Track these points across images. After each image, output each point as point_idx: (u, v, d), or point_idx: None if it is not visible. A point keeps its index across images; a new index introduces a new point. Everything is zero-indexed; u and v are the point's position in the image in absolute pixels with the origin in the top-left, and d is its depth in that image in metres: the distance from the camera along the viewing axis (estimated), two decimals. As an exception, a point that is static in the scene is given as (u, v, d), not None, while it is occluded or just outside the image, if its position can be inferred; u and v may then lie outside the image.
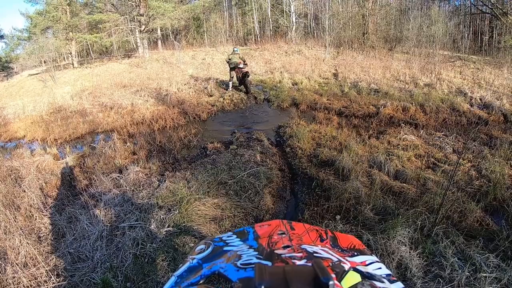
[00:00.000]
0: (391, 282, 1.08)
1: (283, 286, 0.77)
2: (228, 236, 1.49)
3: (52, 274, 3.79)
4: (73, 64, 30.01)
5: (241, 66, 13.20)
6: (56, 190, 6.30)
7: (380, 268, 1.21)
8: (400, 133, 7.89)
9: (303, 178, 6.16)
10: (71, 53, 30.49)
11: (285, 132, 8.51)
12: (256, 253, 1.21)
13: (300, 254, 1.15)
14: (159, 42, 32.67)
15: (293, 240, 1.35)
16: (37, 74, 26.37)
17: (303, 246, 1.26)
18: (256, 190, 5.44)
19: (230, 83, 13.96)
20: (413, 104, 10.13)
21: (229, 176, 5.87)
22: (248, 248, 1.28)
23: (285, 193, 5.77)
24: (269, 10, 32.48)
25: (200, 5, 31.19)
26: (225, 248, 1.34)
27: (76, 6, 28.80)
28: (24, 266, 3.90)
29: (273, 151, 7.39)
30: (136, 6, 25.82)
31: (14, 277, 3.72)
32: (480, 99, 11.08)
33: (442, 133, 8.05)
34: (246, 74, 13.01)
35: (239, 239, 1.43)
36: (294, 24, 27.76)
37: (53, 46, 26.66)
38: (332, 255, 1.21)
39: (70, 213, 5.14)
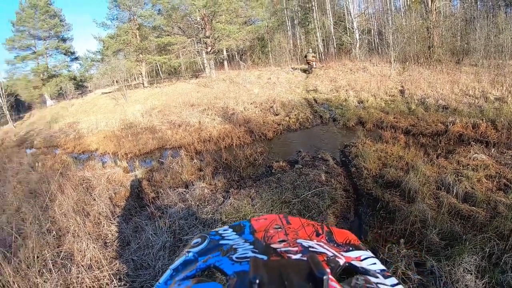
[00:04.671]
0: (385, 277, 1.09)
1: (278, 280, 0.78)
2: (224, 230, 1.50)
3: (115, 278, 3.95)
4: (143, 83, 31.82)
5: (311, 60, 23.83)
6: (124, 201, 6.59)
7: (374, 263, 1.22)
8: (470, 152, 7.44)
9: (368, 199, 5.95)
10: (141, 73, 32.43)
11: (351, 151, 8.28)
12: (252, 247, 1.23)
13: (296, 249, 1.17)
14: (225, 62, 33.87)
15: (289, 234, 1.38)
16: (109, 92, 28.23)
17: (298, 241, 1.28)
18: (319, 210, 5.33)
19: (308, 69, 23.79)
20: (484, 120, 9.49)
21: (293, 195, 5.81)
22: (244, 242, 1.30)
23: (348, 214, 5.59)
24: (332, 27, 32.28)
25: (264, 26, 31.94)
26: (221, 242, 1.36)
27: (145, 30, 30.82)
28: (88, 268, 4.12)
29: (338, 171, 7.20)
30: (202, 28, 26.93)
31: (78, 277, 3.95)
32: (562, 112, 10.22)
33: (515, 151, 7.54)
34: (311, 64, 23.61)
35: (235, 233, 1.45)
36: (358, 40, 27.22)
37: (124, 67, 28.46)
38: (327, 250, 1.23)
39: (136, 223, 5.36)
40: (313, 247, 1.22)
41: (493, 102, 11.28)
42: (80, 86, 44.87)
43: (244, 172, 7.73)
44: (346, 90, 16.01)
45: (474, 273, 3.49)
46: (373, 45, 29.72)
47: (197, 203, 5.87)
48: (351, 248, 1.35)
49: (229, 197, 5.90)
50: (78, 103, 30.18)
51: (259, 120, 12.29)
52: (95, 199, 6.31)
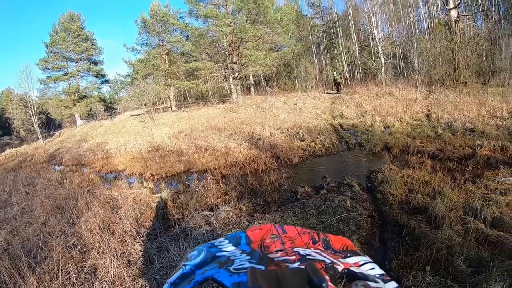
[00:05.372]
0: (385, 281, 1.08)
1: None
2: (220, 242, 1.50)
3: (137, 296, 3.95)
4: (171, 107, 32.62)
5: (340, 82, 25.80)
6: (150, 221, 6.67)
7: (373, 268, 1.22)
8: (498, 175, 7.23)
9: (393, 226, 5.84)
10: (169, 97, 33.37)
11: (377, 177, 8.17)
12: (249, 257, 1.25)
13: (293, 257, 1.20)
14: (252, 88, 34.58)
15: (285, 243, 1.41)
16: (138, 115, 28.91)
17: (295, 249, 1.31)
18: (344, 236, 5.28)
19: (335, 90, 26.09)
20: (512, 142, 9.25)
21: (318, 221, 5.75)
22: (241, 253, 1.32)
23: (374, 240, 5.51)
24: (357, 52, 32.52)
25: (290, 52, 32.67)
26: (218, 254, 1.36)
27: (173, 55, 31.99)
28: (111, 284, 4.20)
29: (364, 197, 7.10)
30: (229, 54, 27.58)
31: (100, 293, 3.99)
32: None
33: (546, 173, 7.28)
34: (339, 84, 25.55)
35: (231, 244, 1.45)
36: (383, 65, 27.06)
37: (153, 91, 29.52)
38: (325, 257, 1.24)
39: (161, 243, 5.42)
40: (310, 255, 1.23)
41: (522, 122, 10.95)
42: (110, 108, 46.42)
43: (269, 197, 7.72)
44: (372, 115, 15.90)
45: (501, 301, 3.41)
46: (399, 69, 29.52)
47: (222, 226, 5.91)
48: (349, 254, 1.37)
49: (254, 222, 5.92)
50: (107, 124, 31.04)
51: (285, 146, 12.34)
52: (121, 218, 6.42)
